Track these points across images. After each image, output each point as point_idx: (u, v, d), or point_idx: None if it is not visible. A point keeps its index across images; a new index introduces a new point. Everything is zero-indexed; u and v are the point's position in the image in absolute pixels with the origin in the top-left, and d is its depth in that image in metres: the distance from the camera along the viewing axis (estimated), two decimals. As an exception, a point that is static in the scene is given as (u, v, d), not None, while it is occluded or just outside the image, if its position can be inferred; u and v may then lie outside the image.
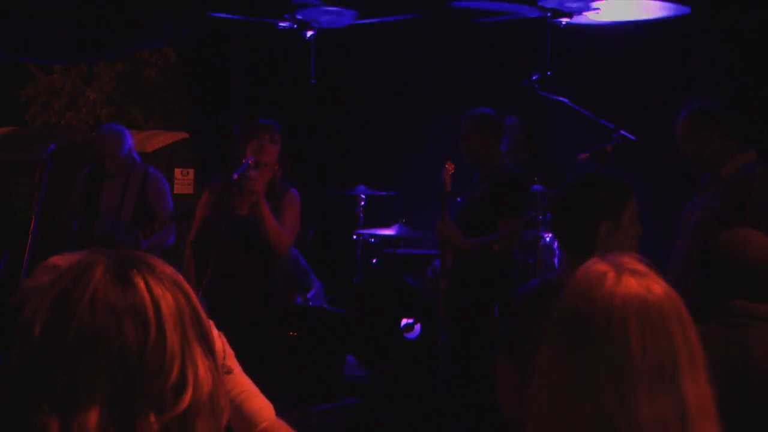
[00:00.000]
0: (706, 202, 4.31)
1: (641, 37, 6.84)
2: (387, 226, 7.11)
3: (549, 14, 5.75)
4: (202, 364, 1.26)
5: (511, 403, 3.03)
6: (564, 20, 5.78)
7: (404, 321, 6.40)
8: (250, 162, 4.98)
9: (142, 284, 1.26)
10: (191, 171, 8.35)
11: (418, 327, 6.38)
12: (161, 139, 8.92)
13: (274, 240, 4.92)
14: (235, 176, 4.92)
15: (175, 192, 7.43)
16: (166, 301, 1.26)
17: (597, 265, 1.49)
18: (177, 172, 8.28)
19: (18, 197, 7.79)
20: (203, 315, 1.31)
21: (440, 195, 5.25)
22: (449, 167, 5.25)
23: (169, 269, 1.32)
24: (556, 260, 6.43)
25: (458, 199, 7.22)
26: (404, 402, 6.36)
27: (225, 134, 8.41)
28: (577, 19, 5.85)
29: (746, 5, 6.56)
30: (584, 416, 1.40)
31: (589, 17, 5.84)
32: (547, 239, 6.29)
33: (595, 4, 5.58)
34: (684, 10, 5.80)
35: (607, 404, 1.38)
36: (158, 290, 1.26)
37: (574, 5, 5.60)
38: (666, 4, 5.75)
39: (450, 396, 5.42)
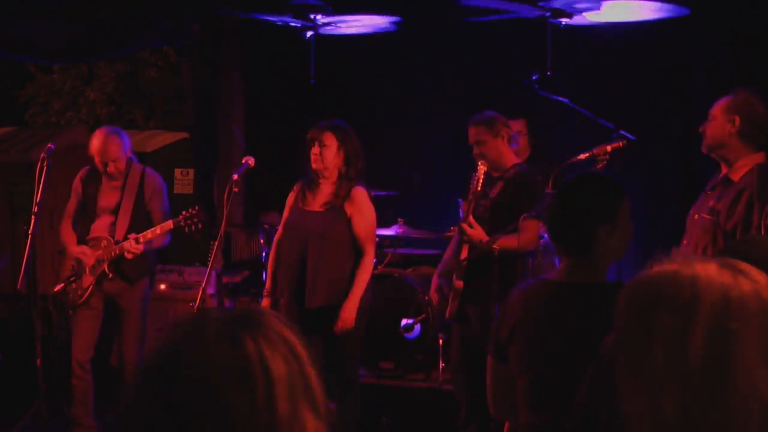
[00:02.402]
0: (712, 204, 4.28)
1: (641, 37, 6.84)
2: (387, 226, 7.11)
3: (549, 14, 5.74)
4: (310, 429, 1.24)
5: (500, 404, 3.03)
6: (564, 20, 5.77)
7: (404, 321, 6.39)
8: (249, 163, 5.00)
9: (252, 347, 1.23)
10: (191, 171, 8.35)
11: (418, 327, 6.37)
12: (161, 139, 8.90)
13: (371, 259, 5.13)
14: (235, 176, 4.93)
15: (175, 192, 7.43)
16: (277, 366, 1.23)
17: (681, 265, 1.50)
18: (177, 172, 8.27)
19: (18, 197, 7.77)
20: (313, 378, 1.28)
21: (470, 194, 5.16)
22: (482, 167, 5.15)
23: (285, 331, 1.28)
24: (557, 260, 6.42)
25: (460, 200, 7.21)
26: (404, 402, 6.36)
27: (225, 134, 8.41)
28: (577, 20, 5.85)
29: (746, 5, 6.56)
30: (738, 400, 1.40)
31: (589, 18, 5.84)
32: (547, 239, 6.28)
33: (586, 13, 5.58)
34: (683, 11, 5.79)
35: (760, 383, 1.40)
36: (269, 354, 1.23)
37: (582, 6, 5.59)
38: (665, 6, 5.75)
39: (459, 395, 5.38)
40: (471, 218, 5.07)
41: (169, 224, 5.67)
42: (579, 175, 3.09)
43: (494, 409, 3.07)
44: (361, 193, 5.16)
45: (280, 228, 5.40)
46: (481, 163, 5.17)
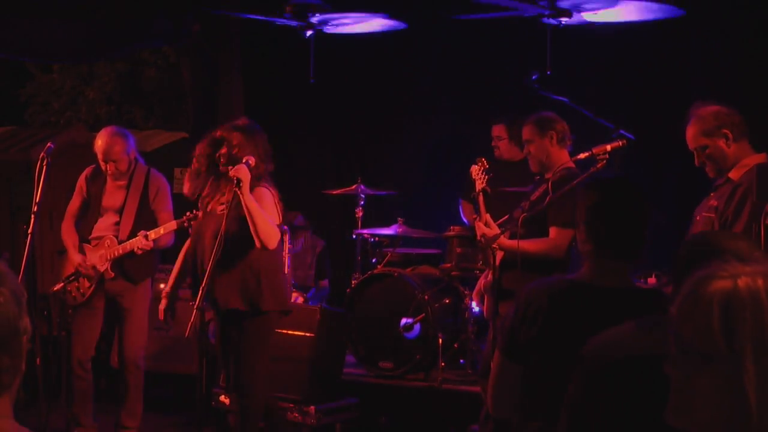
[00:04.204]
0: (712, 204, 4.29)
1: (641, 36, 6.84)
2: (386, 225, 7.11)
3: (548, 12, 5.74)
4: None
5: (502, 403, 2.98)
6: (563, 20, 5.77)
7: (404, 320, 6.39)
8: (250, 162, 4.95)
9: None
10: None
11: (417, 327, 6.37)
12: (160, 138, 8.91)
13: (263, 235, 4.84)
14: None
15: (174, 191, 7.42)
16: None
17: None
18: (176, 171, 8.27)
19: (17, 196, 7.77)
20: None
21: (475, 194, 5.06)
22: (480, 163, 5.06)
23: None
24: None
25: (460, 199, 7.20)
26: (404, 402, 6.36)
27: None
28: (576, 19, 5.85)
29: (742, 6, 6.57)
30: None
31: (586, 18, 5.83)
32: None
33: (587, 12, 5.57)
34: (678, 12, 5.79)
35: None
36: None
37: (590, 6, 5.59)
38: (661, 6, 5.75)
39: (485, 393, 5.30)
40: (487, 216, 4.98)
41: (173, 225, 5.66)
42: (618, 179, 3.05)
43: (494, 407, 3.01)
44: (260, 193, 4.97)
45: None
46: (478, 161, 5.12)
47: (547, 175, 5.14)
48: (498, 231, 4.88)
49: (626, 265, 2.84)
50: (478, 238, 4.99)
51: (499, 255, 4.90)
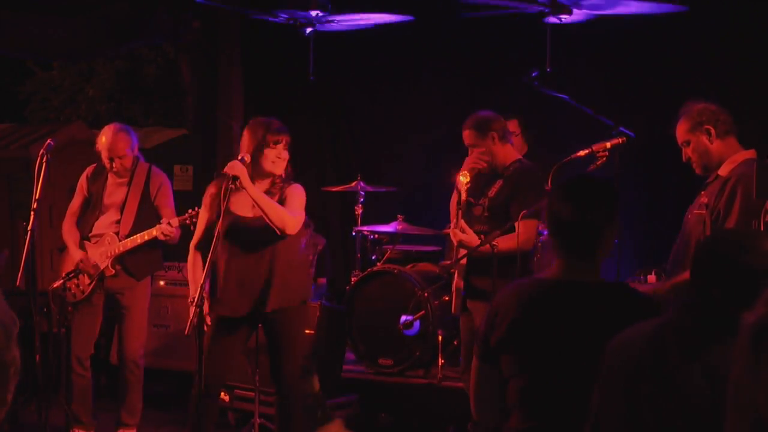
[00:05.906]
0: (704, 201, 4.32)
1: (641, 34, 6.84)
2: (386, 222, 7.11)
3: (548, 10, 5.74)
4: None
5: (483, 408, 3.01)
6: (564, 17, 5.77)
7: (403, 318, 6.39)
8: (245, 159, 4.93)
9: None
10: (190, 168, 8.34)
11: (417, 324, 6.37)
12: (160, 135, 8.91)
13: (276, 219, 4.82)
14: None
15: (174, 189, 7.43)
16: None
17: None
18: (176, 168, 8.27)
19: (17, 194, 7.77)
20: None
21: (457, 204, 5.11)
22: (464, 176, 5.11)
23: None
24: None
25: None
26: (403, 399, 6.36)
27: (224, 131, 8.41)
28: (577, 16, 5.84)
29: (747, 2, 6.56)
30: None
31: (587, 9, 5.83)
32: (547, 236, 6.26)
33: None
34: (680, 9, 5.80)
35: None
36: None
37: (590, 2, 5.59)
38: (661, 6, 5.76)
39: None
40: (462, 223, 5.03)
41: (176, 221, 5.66)
42: (580, 176, 3.07)
43: (477, 413, 3.03)
44: (294, 188, 4.99)
45: (198, 234, 5.11)
46: (462, 175, 5.12)
47: (499, 171, 5.21)
48: (474, 236, 4.96)
49: (589, 263, 2.85)
50: (455, 243, 5.06)
51: (462, 253, 4.99)
